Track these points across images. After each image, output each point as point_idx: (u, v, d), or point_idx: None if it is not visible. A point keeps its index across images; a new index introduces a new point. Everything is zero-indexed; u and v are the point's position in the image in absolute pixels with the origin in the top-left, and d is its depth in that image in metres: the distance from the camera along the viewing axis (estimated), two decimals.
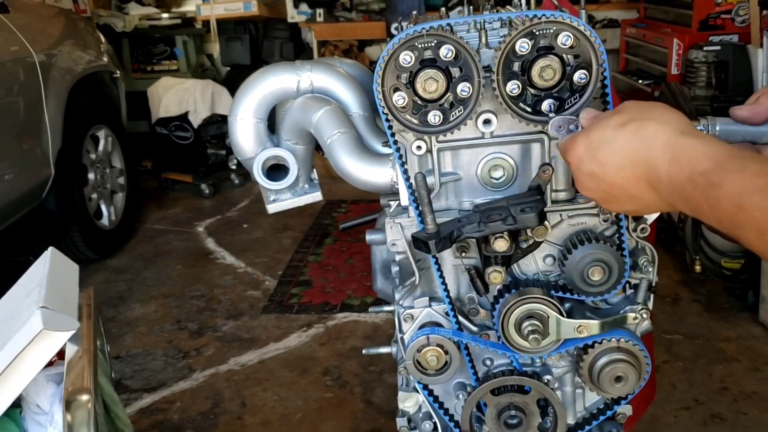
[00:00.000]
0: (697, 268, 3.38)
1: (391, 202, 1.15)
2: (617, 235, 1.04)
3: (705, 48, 3.96)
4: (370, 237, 1.28)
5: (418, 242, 0.94)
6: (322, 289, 3.61)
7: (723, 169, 0.66)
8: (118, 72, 4.39)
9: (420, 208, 0.94)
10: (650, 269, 1.04)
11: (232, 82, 5.55)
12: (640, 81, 4.54)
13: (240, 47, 5.70)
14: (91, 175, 3.97)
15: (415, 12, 1.44)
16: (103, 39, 4.39)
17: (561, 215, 1.05)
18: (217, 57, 5.90)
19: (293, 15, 5.46)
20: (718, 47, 3.96)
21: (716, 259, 3.39)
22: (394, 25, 1.38)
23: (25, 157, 3.31)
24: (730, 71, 3.93)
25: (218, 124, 4.95)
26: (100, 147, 4.10)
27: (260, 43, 5.74)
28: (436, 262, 1.07)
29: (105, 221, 4.10)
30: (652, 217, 1.06)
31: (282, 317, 3.36)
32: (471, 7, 1.25)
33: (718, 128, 0.84)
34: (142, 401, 2.77)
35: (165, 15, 5.59)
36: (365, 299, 3.44)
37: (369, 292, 3.49)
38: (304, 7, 5.33)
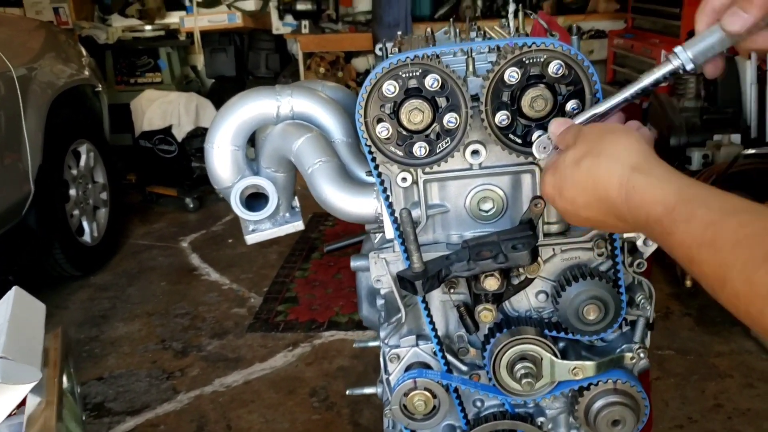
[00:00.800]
0: (688, 282, 3.36)
1: (376, 234, 1.10)
2: (613, 270, 0.99)
3: None
4: (355, 263, 1.22)
5: (403, 282, 0.89)
6: (308, 305, 3.55)
7: (673, 218, 0.65)
8: (100, 86, 4.32)
9: (405, 246, 0.88)
10: (647, 307, 0.99)
11: (217, 94, 5.49)
12: None
13: (225, 59, 5.65)
14: (72, 191, 3.90)
15: (400, 33, 1.39)
16: (84, 52, 4.31)
17: (554, 249, 1.01)
18: (202, 69, 5.84)
19: (278, 27, 5.41)
20: None
21: None
22: (378, 45, 1.34)
23: (3, 174, 3.24)
24: (718, 83, 3.92)
25: (202, 137, 4.87)
26: (82, 162, 4.03)
27: (245, 54, 5.69)
28: (423, 300, 1.01)
29: (87, 237, 4.02)
30: (648, 251, 1.02)
31: (267, 336, 3.29)
32: (457, 30, 1.20)
33: (691, 55, 0.79)
34: (125, 425, 2.70)
35: (148, 27, 5.52)
36: (353, 316, 3.38)
37: (357, 309, 3.43)
38: (289, 18, 5.28)
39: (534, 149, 0.87)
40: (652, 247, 1.02)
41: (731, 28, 0.75)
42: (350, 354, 3.08)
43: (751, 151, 3.21)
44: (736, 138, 3.56)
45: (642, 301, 0.99)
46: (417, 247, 0.87)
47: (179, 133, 4.89)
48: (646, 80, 0.82)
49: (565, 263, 1.00)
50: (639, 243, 1.01)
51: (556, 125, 0.85)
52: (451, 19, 1.30)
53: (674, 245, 0.65)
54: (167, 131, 4.90)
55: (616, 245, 0.97)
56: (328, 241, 4.22)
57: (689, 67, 0.79)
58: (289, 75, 5.42)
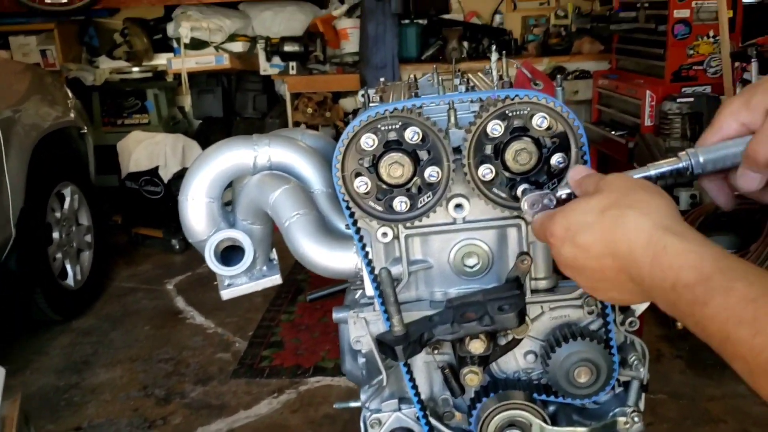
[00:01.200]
0: (679, 324, 3.31)
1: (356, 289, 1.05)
2: (604, 329, 0.95)
3: (678, 100, 3.97)
4: (337, 315, 1.17)
5: (383, 346, 0.84)
6: (294, 350, 3.48)
7: (708, 287, 0.59)
8: (86, 128, 4.29)
9: (385, 308, 0.84)
10: (641, 368, 0.94)
11: (205, 135, 5.46)
12: (613, 132, 4.52)
13: (212, 100, 5.63)
14: (55, 234, 3.83)
15: (383, 79, 1.37)
16: (70, 94, 4.29)
17: (542, 307, 0.96)
18: (189, 110, 5.82)
19: (266, 68, 5.41)
20: (692, 99, 3.96)
21: None
22: (361, 92, 1.31)
23: None
24: (704, 122, 3.93)
25: None
26: (66, 205, 3.97)
27: (233, 95, 5.69)
28: (405, 363, 0.96)
29: (70, 281, 3.95)
30: (640, 309, 0.98)
31: (252, 382, 3.22)
32: (440, 78, 1.17)
33: (702, 159, 0.76)
34: None
35: (136, 69, 5.51)
36: (339, 361, 3.31)
37: None
38: (276, 60, 5.29)
39: (523, 207, 0.82)
40: (645, 304, 0.98)
41: (745, 188, 0.74)
42: (336, 401, 3.00)
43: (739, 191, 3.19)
44: None
45: (635, 362, 0.95)
46: (397, 309, 0.82)
47: (165, 174, 4.87)
48: (652, 171, 0.78)
49: (554, 322, 0.96)
50: None
51: (576, 171, 0.79)
52: (435, 66, 1.28)
53: (706, 317, 0.59)
54: (153, 172, 4.88)
55: (606, 303, 0.93)
56: (314, 283, 4.15)
57: (697, 171, 0.76)
58: (277, 116, 5.41)
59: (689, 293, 0.61)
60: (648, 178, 0.78)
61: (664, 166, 0.78)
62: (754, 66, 3.72)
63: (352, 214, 0.91)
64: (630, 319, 0.96)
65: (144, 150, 4.89)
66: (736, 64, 3.96)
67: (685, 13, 4.08)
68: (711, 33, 4.08)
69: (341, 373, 3.22)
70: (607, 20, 4.99)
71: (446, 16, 5.66)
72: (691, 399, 2.89)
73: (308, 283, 4.24)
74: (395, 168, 0.86)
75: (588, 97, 5.02)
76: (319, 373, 3.23)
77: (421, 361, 0.99)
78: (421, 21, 5.41)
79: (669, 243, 0.64)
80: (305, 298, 4.06)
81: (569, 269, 0.76)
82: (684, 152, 0.77)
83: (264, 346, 3.54)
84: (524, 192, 0.85)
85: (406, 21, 5.26)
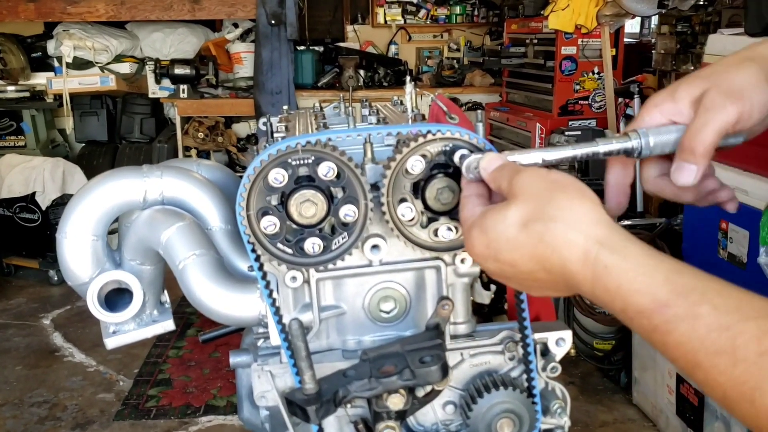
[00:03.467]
0: (571, 350, 3.38)
1: (260, 335, 0.96)
2: (526, 376, 0.90)
3: (566, 133, 4.11)
4: (234, 359, 1.07)
5: (293, 407, 0.75)
6: (183, 388, 3.29)
7: (668, 316, 0.54)
8: None
9: (296, 362, 0.75)
10: (564, 416, 0.90)
11: (87, 160, 5.18)
12: None
13: (96, 123, 5.35)
14: None
15: (286, 107, 1.29)
16: None
17: (462, 354, 0.90)
18: (71, 132, 5.49)
19: (155, 90, 5.20)
20: (578, 132, 4.12)
21: (588, 340, 3.42)
22: (262, 120, 1.22)
23: None
24: None
25: None
26: None
27: (119, 118, 5.42)
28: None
29: None
30: (561, 352, 0.94)
31: (137, 424, 3.02)
32: (350, 108, 1.11)
33: (651, 142, 0.71)
34: None
35: (10, 87, 5.15)
36: (232, 399, 3.16)
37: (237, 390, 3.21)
38: (166, 82, 5.09)
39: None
40: (565, 347, 0.94)
41: (683, 181, 0.69)
42: None
43: (626, 222, 3.32)
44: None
45: (558, 409, 0.91)
46: (309, 364, 0.74)
47: (44, 201, 4.59)
48: (601, 147, 0.72)
49: (475, 369, 0.90)
50: (551, 344, 0.93)
51: (489, 161, 0.72)
52: (342, 95, 1.21)
53: (669, 344, 0.54)
54: (30, 198, 4.57)
55: (529, 350, 0.88)
56: (205, 317, 3.98)
57: (645, 152, 0.72)
58: (165, 140, 5.19)
59: (645, 320, 0.55)
60: (595, 154, 0.73)
61: (613, 143, 0.72)
62: (636, 102, 3.92)
63: (257, 257, 0.82)
64: (551, 365, 0.92)
65: (19, 174, 4.59)
66: (619, 99, 4.16)
67: (571, 50, 4.25)
68: (596, 69, 4.26)
69: (234, 411, 3.08)
70: (497, 55, 5.15)
71: (342, 44, 5.65)
72: (585, 425, 2.95)
73: (198, 316, 4.05)
74: (307, 207, 0.78)
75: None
76: (210, 412, 3.07)
77: (332, 416, 0.91)
78: (316, 48, 5.37)
79: (610, 263, 0.58)
80: (198, 336, 3.88)
81: (498, 278, 0.70)
82: (633, 131, 0.72)
83: (150, 385, 3.34)
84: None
85: (302, 47, 5.21)
